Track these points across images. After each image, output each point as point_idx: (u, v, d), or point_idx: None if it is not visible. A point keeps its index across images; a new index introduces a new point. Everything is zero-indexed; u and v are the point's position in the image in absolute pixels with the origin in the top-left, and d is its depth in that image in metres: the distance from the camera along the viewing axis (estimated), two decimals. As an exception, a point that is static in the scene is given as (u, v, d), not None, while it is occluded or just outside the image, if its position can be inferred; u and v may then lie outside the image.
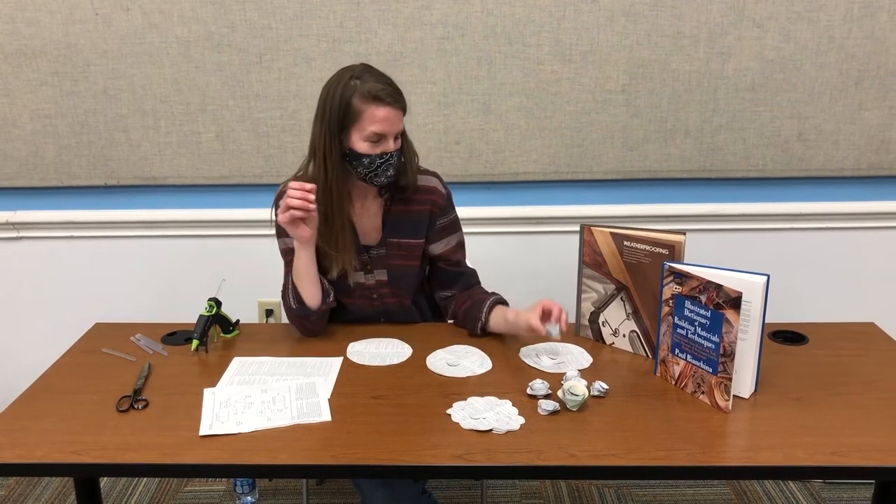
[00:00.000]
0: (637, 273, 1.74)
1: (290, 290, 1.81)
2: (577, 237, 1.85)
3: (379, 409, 1.54)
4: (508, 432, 1.46)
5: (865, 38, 2.37)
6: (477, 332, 1.86)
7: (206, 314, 1.79)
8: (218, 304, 1.82)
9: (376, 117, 1.68)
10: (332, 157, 1.73)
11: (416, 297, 1.97)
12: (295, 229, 1.72)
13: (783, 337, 1.86)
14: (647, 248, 1.71)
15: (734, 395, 1.56)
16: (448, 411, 1.53)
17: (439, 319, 2.05)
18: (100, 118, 2.46)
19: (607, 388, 1.59)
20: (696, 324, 1.55)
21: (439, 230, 1.90)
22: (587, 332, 1.86)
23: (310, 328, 1.85)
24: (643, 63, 2.40)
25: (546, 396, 1.58)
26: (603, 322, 1.82)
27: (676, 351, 1.61)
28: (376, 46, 2.37)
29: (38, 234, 2.58)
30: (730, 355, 1.48)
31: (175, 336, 1.87)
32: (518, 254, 2.59)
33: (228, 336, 1.87)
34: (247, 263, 2.58)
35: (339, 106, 1.69)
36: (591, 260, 1.81)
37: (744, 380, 1.57)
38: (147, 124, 2.46)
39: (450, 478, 2.29)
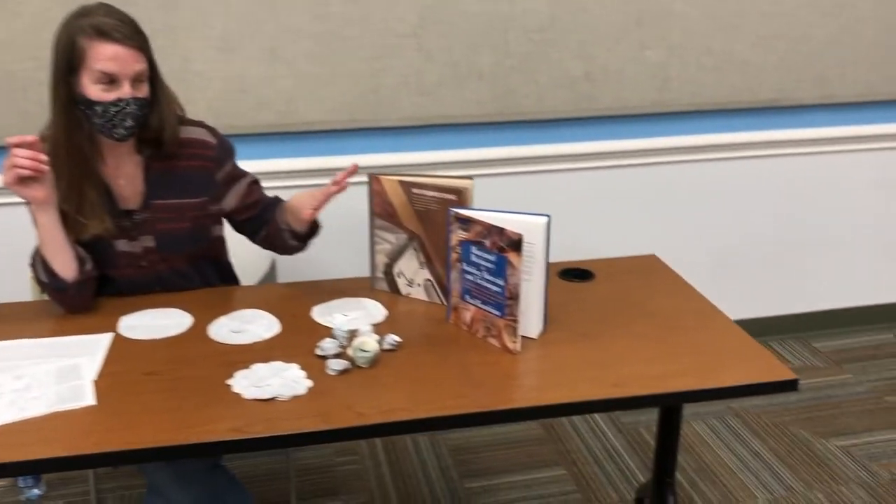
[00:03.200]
0: (427, 221, 1.70)
1: (38, 261, 1.61)
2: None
3: (152, 387, 1.41)
4: (294, 398, 1.39)
5: (643, -21, 2.44)
6: (293, 242, 1.81)
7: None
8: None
9: (102, 55, 1.52)
10: (65, 106, 1.57)
11: (197, 262, 1.82)
12: (24, 190, 1.53)
13: (572, 274, 1.90)
14: (436, 195, 1.67)
15: (523, 336, 1.57)
16: (229, 382, 1.43)
17: (227, 284, 1.92)
18: None
19: (400, 340, 1.55)
20: (483, 269, 1.53)
21: (222, 184, 1.77)
22: (383, 285, 1.81)
23: (70, 303, 1.67)
24: (433, 4, 2.34)
25: (337, 355, 1.52)
26: (398, 273, 1.78)
27: (467, 297, 1.60)
28: (142, -13, 2.15)
29: None
30: (515, 297, 1.48)
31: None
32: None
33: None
34: (9, 234, 2.30)
35: (65, 46, 1.54)
36: (381, 210, 1.75)
37: (531, 320, 1.58)
38: None
39: (227, 453, 2.09)
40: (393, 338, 1.54)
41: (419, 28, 2.36)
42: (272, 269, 2.25)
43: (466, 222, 1.55)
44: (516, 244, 1.45)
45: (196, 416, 1.33)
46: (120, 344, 1.56)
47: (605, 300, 1.76)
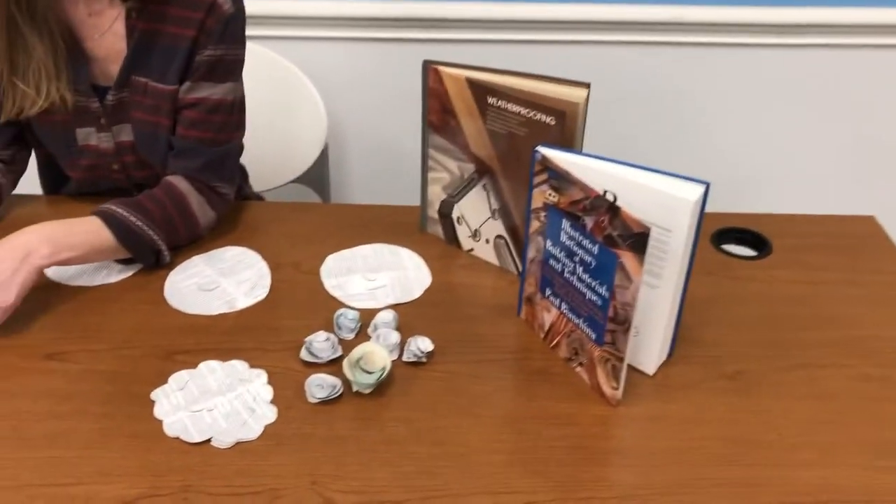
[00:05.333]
0: (508, 149, 1.06)
1: None
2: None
3: (40, 387, 0.93)
4: (238, 445, 0.87)
5: None
6: None
7: None
8: None
9: None
10: None
11: None
12: None
13: (734, 237, 1.23)
14: (522, 111, 1.02)
15: (631, 368, 0.97)
16: (157, 392, 0.92)
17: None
18: None
19: (431, 350, 0.98)
20: (577, 260, 0.91)
21: (198, 67, 1.16)
22: (437, 230, 1.21)
23: None
24: None
25: (331, 362, 0.97)
26: (458, 217, 1.17)
27: (548, 292, 0.99)
28: None
29: None
30: (624, 322, 0.86)
31: None
32: (387, 71, 1.83)
33: None
34: None
35: None
36: (440, 121, 1.12)
37: (649, 347, 0.96)
38: None
39: None
40: (419, 345, 0.97)
41: None
42: (322, 159, 1.68)
43: (559, 178, 0.91)
44: (637, 241, 0.81)
45: (77, 467, 0.83)
46: (32, 290, 1.08)
47: (780, 302, 1.09)
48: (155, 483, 0.82)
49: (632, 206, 0.82)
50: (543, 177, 0.93)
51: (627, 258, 0.83)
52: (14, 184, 1.23)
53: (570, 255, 0.92)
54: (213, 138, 1.17)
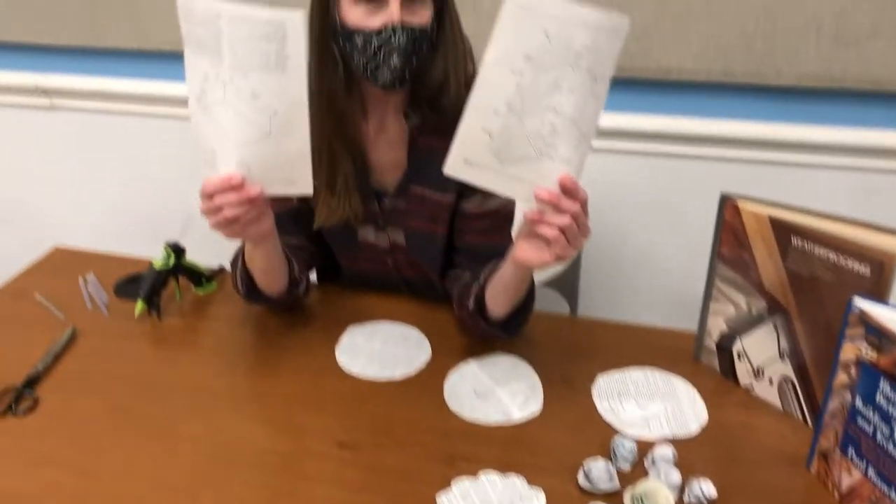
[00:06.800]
0: (808, 293, 1.02)
1: (238, 272, 1.23)
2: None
3: (334, 475, 0.99)
4: (518, 567, 0.88)
5: None
6: (469, 304, 1.16)
7: (160, 267, 1.29)
8: (178, 252, 1.31)
9: None
10: (318, 41, 1.14)
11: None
12: (243, 231, 1.06)
13: None
14: (832, 255, 0.98)
15: (948, 555, 0.87)
16: (441, 497, 0.96)
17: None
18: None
19: (713, 497, 0.94)
20: (897, 427, 0.84)
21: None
22: (712, 361, 1.18)
23: (276, 308, 1.31)
24: None
25: (609, 496, 0.96)
26: (739, 353, 1.14)
27: (851, 452, 0.92)
28: None
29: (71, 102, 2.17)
30: (954, 507, 0.78)
31: (134, 285, 1.38)
32: (654, 185, 1.85)
33: (202, 292, 1.37)
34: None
35: None
36: (732, 254, 1.10)
37: (973, 535, 0.86)
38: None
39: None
40: (702, 489, 0.94)
41: (859, -57, 1.54)
42: (575, 267, 1.71)
43: (880, 335, 0.85)
44: (985, 424, 0.74)
45: (367, 563, 0.88)
46: (329, 375, 1.16)
47: None
48: (441, 593, 0.84)
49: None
50: (859, 330, 0.88)
51: (967, 438, 0.76)
52: (310, 269, 1.34)
53: (887, 418, 0.85)
54: (507, 243, 1.20)
